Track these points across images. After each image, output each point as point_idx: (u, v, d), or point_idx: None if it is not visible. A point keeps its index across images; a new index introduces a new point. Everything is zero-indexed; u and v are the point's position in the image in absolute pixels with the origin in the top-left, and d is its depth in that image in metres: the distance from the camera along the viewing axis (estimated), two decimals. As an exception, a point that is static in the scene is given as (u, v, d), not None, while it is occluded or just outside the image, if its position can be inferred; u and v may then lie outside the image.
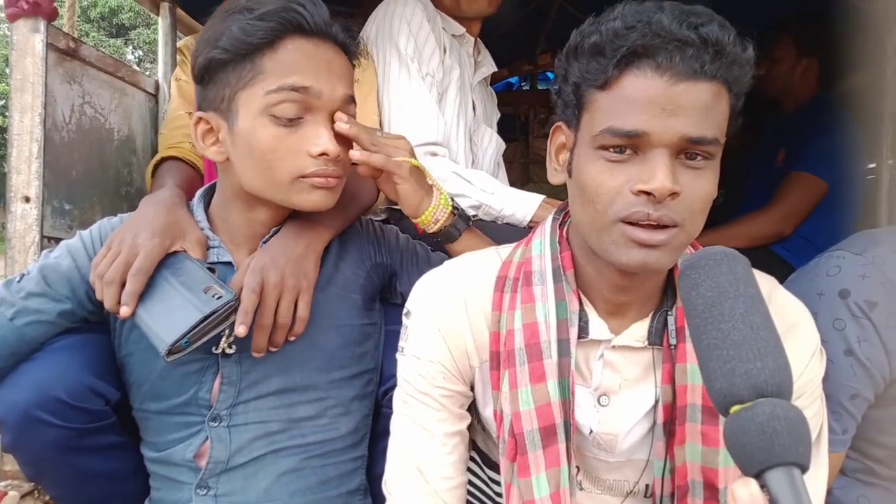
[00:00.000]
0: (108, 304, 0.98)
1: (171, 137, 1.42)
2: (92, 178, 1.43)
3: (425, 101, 1.48)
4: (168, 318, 0.96)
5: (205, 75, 1.02)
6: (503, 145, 1.81)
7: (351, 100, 1.05)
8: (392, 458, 0.96)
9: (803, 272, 1.17)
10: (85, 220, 1.38)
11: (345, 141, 1.05)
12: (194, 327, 0.94)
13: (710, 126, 0.76)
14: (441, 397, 0.93)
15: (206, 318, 0.95)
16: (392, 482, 0.95)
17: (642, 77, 0.76)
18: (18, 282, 1.04)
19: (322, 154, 1.00)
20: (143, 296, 0.98)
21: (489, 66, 1.80)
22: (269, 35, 0.97)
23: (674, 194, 0.76)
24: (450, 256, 1.21)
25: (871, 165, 2.14)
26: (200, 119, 1.04)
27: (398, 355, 0.97)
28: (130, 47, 21.94)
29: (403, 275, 1.20)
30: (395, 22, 1.52)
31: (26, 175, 1.20)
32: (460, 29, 1.65)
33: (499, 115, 1.93)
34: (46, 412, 0.98)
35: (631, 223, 0.77)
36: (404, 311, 0.98)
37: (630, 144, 0.77)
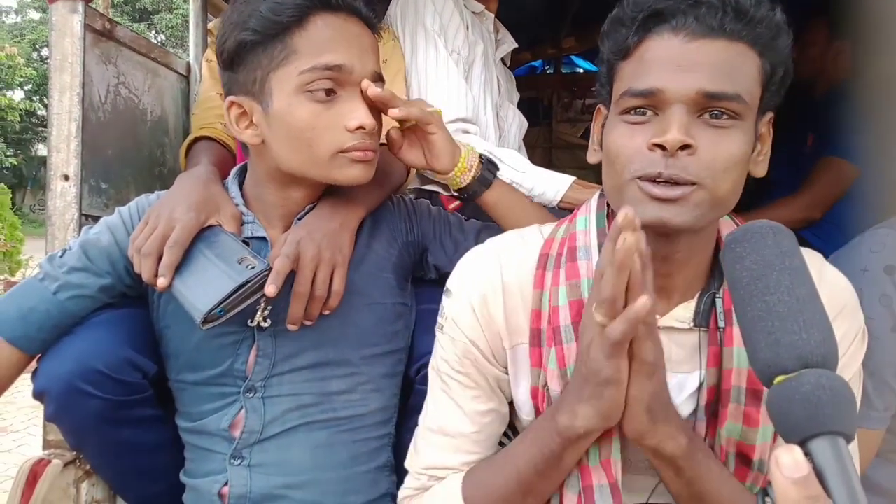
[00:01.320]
0: (146, 276, 1.00)
1: (204, 118, 1.44)
2: (126, 158, 1.46)
3: (454, 78, 1.49)
4: (203, 288, 0.98)
5: (234, 59, 1.02)
6: (525, 124, 1.82)
7: (378, 76, 1.06)
8: (422, 427, 0.97)
9: (845, 250, 1.17)
10: (120, 199, 1.41)
11: (377, 114, 1.06)
12: (229, 296, 0.96)
13: (731, 82, 0.75)
14: (476, 376, 0.93)
15: (240, 287, 0.97)
16: (419, 445, 0.96)
17: (659, 39, 0.78)
18: (61, 257, 1.07)
19: (359, 127, 1.01)
20: (179, 268, 1.00)
21: (509, 43, 1.81)
22: (298, 12, 0.98)
23: (687, 147, 0.75)
24: (483, 221, 1.22)
25: (904, 150, 2.10)
26: (233, 103, 1.04)
27: (437, 331, 0.98)
28: (153, 31, 22.09)
29: (437, 245, 1.20)
30: (420, 0, 1.53)
31: (65, 153, 1.22)
32: (479, 6, 1.66)
33: (518, 96, 1.93)
34: (87, 383, 1.01)
35: (646, 180, 0.77)
36: (445, 288, 0.98)
37: (649, 105, 0.78)
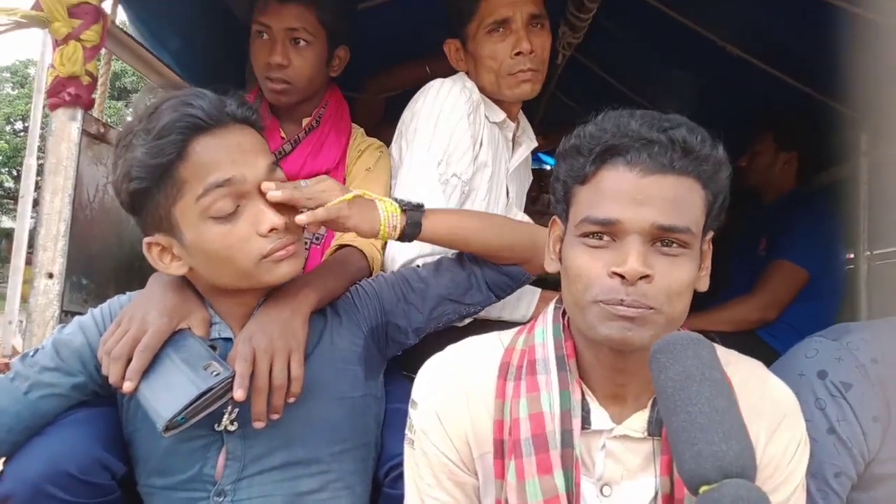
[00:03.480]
0: (113, 380, 1.02)
1: None
2: (109, 254, 1.50)
3: (433, 190, 1.44)
4: (167, 394, 1.00)
5: (135, 205, 1.06)
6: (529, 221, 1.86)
7: (274, 166, 1.08)
8: None
9: (784, 358, 1.24)
10: (100, 294, 1.44)
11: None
12: (191, 403, 0.98)
13: (681, 216, 0.84)
14: (454, 490, 0.96)
15: (202, 394, 0.99)
16: None
17: (615, 171, 0.86)
18: (32, 356, 1.08)
19: (272, 230, 1.03)
20: (146, 372, 1.02)
21: (528, 144, 1.78)
22: (175, 148, 1.00)
23: (646, 277, 0.83)
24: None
25: (850, 255, 2.24)
26: (150, 244, 1.07)
27: (406, 446, 1.00)
28: (131, 110, 22.42)
29: (401, 308, 1.23)
30: (433, 118, 1.49)
31: (52, 252, 1.27)
32: (501, 115, 1.63)
33: (531, 178, 1.96)
34: (56, 486, 0.99)
35: (607, 304, 0.84)
36: (411, 400, 1.02)
37: (607, 231, 0.86)
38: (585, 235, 0.88)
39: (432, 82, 1.57)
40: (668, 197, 0.84)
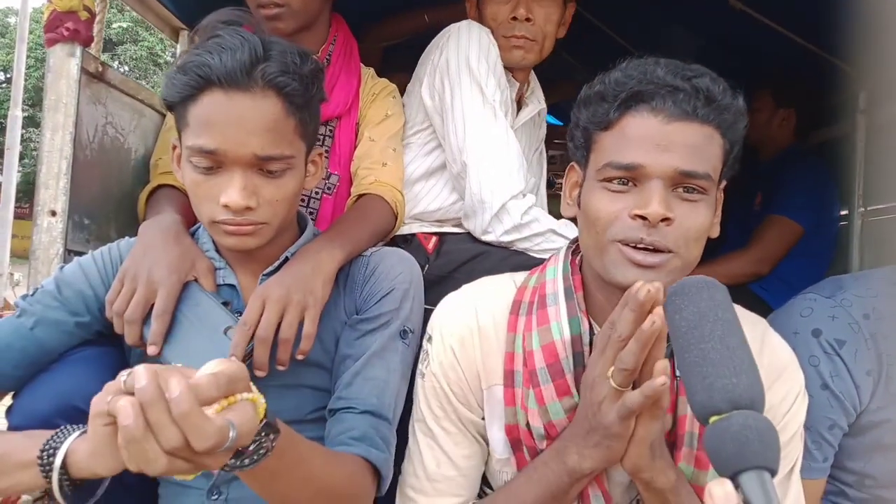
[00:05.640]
0: (131, 341, 1.02)
1: (165, 165, 1.41)
2: (110, 195, 1.50)
3: (513, 149, 1.46)
4: (193, 362, 0.96)
5: (168, 107, 1.05)
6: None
7: (266, 158, 0.99)
8: (408, 480, 1.03)
9: (778, 314, 1.27)
10: (102, 235, 1.45)
11: (272, 188, 1.01)
12: None
13: (702, 162, 0.87)
14: (458, 422, 1.00)
15: None
16: (408, 494, 1.02)
17: (639, 117, 0.88)
18: (33, 294, 1.08)
19: (226, 206, 0.99)
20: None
21: (535, 105, 1.76)
22: (187, 91, 0.97)
23: (667, 220, 0.85)
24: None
25: (844, 212, 2.27)
26: (175, 145, 1.07)
27: (418, 378, 1.04)
28: (117, 63, 21.97)
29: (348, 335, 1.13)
30: (473, 55, 1.48)
31: (54, 190, 1.27)
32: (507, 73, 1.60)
33: (541, 139, 1.93)
34: (66, 420, 0.98)
35: (627, 245, 0.86)
36: (426, 335, 1.05)
37: (629, 177, 0.88)
38: (608, 180, 0.90)
39: (461, 24, 1.54)
40: (690, 143, 0.86)
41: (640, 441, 0.83)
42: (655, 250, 0.86)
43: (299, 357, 1.05)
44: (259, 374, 1.02)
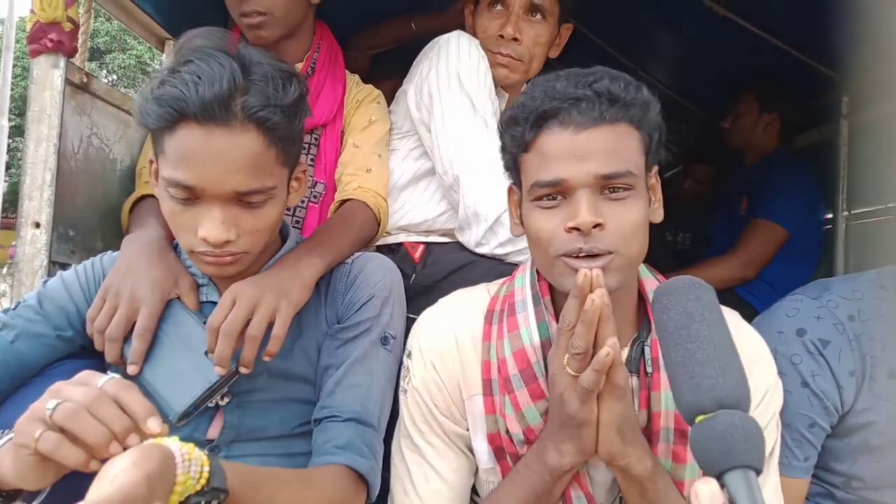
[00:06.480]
0: (112, 359, 1.01)
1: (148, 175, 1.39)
2: (95, 206, 1.49)
3: (496, 172, 1.38)
4: (175, 385, 0.98)
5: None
6: None
7: (247, 193, 0.96)
8: (396, 492, 1.03)
9: (765, 314, 1.29)
10: (87, 246, 1.44)
11: (252, 219, 0.98)
12: (202, 395, 0.98)
13: (620, 161, 0.89)
14: (443, 433, 1.01)
15: (212, 386, 0.98)
16: None
17: (552, 134, 0.91)
18: (15, 308, 1.07)
19: (203, 239, 0.96)
20: (146, 354, 1.01)
21: None
22: (162, 122, 0.92)
23: (598, 225, 0.87)
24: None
25: (829, 216, 2.29)
26: (152, 161, 1.03)
27: (401, 395, 1.05)
28: (105, 71, 21.91)
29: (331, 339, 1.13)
30: (464, 67, 1.46)
31: (38, 202, 1.26)
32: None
33: None
34: None
35: (570, 256, 0.89)
36: (405, 351, 1.06)
37: (556, 192, 0.90)
38: (538, 199, 0.92)
39: (450, 35, 1.52)
40: (604, 147, 0.89)
41: (606, 425, 0.86)
42: (596, 255, 0.88)
43: (266, 359, 1.02)
44: (218, 371, 0.98)
